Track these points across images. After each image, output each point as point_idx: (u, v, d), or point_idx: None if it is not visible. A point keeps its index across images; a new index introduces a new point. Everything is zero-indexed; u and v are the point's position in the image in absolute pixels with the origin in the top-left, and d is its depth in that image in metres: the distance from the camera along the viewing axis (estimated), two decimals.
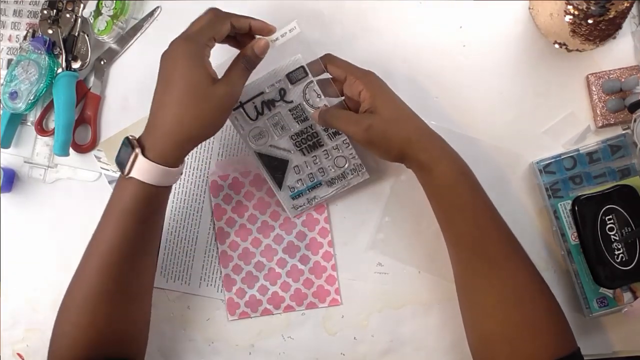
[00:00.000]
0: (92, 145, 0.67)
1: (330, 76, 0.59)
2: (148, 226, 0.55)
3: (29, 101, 0.63)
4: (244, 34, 0.56)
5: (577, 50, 0.63)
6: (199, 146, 0.66)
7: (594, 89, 0.63)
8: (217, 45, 0.54)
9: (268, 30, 0.56)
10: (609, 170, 0.62)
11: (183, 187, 0.66)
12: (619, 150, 0.62)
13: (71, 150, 0.65)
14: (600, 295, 0.61)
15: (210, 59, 0.53)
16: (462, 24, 0.65)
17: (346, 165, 0.63)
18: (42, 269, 0.67)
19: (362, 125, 0.55)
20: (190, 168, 0.66)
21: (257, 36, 0.56)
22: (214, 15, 0.53)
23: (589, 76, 0.63)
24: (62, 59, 0.64)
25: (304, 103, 0.60)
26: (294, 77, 0.59)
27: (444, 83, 0.65)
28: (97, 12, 0.65)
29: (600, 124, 0.63)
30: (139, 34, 0.67)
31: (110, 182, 0.67)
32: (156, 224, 0.57)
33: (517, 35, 0.64)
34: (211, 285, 0.66)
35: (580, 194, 0.61)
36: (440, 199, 0.56)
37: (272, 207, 0.66)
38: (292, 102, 0.60)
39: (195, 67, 0.51)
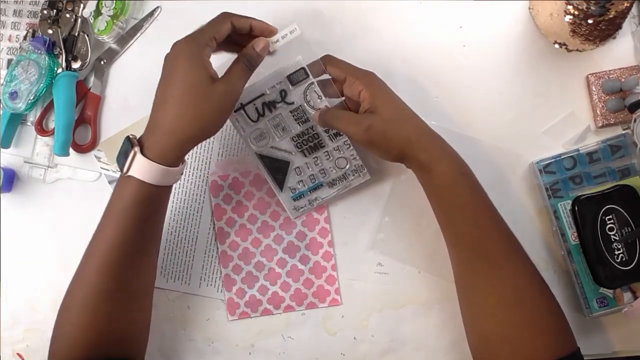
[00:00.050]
0: (92, 145, 0.67)
1: (330, 77, 0.59)
2: (148, 225, 0.55)
3: (29, 101, 0.63)
4: (245, 35, 0.56)
5: (577, 50, 0.63)
6: (199, 146, 0.66)
7: (594, 89, 0.63)
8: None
9: (269, 30, 0.56)
10: (609, 170, 0.62)
11: (183, 187, 0.66)
12: (619, 150, 0.62)
13: (71, 150, 0.65)
14: (600, 295, 0.61)
15: (211, 60, 0.53)
16: (462, 24, 0.65)
17: (347, 166, 0.63)
18: (42, 269, 0.67)
19: (362, 125, 0.55)
20: (190, 168, 0.66)
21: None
22: (217, 16, 0.54)
23: (589, 76, 0.63)
24: (62, 59, 0.64)
25: (305, 104, 0.60)
26: (294, 78, 0.59)
27: (444, 83, 0.65)
28: (97, 12, 0.65)
29: (600, 124, 0.63)
30: (139, 34, 0.67)
31: (110, 182, 0.67)
32: (156, 224, 0.57)
33: (517, 35, 0.65)
34: (211, 285, 0.66)
35: (580, 194, 0.61)
36: (440, 199, 0.56)
37: (272, 207, 0.66)
38: (293, 103, 0.60)
39: (195, 67, 0.51)
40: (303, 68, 0.59)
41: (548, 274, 0.63)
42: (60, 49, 0.64)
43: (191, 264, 0.66)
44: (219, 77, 0.53)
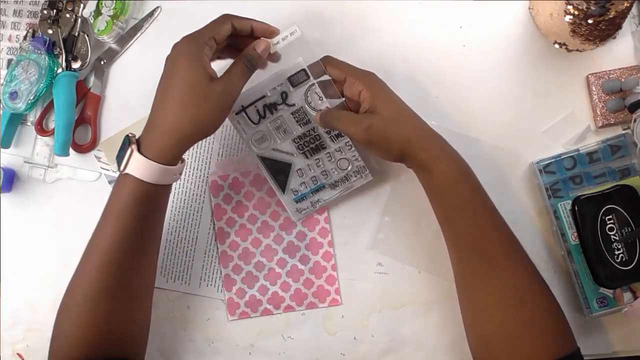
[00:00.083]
0: (92, 145, 0.67)
1: (331, 78, 0.59)
2: (147, 224, 0.55)
3: (29, 101, 0.63)
4: (246, 38, 0.56)
5: (577, 50, 0.63)
6: (199, 146, 0.66)
7: (594, 89, 0.63)
8: None
9: (270, 31, 0.56)
10: (609, 170, 0.62)
11: (183, 187, 0.66)
12: (619, 150, 0.62)
13: (71, 150, 0.65)
14: (600, 295, 0.61)
15: (212, 65, 0.53)
16: (462, 24, 0.65)
17: (349, 168, 0.63)
18: (42, 269, 0.67)
19: (362, 125, 0.55)
20: (190, 168, 0.66)
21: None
22: (217, 18, 0.54)
23: (589, 76, 0.63)
24: (62, 59, 0.64)
25: (306, 106, 0.60)
26: (295, 80, 0.59)
27: (444, 83, 0.65)
28: (97, 12, 0.65)
29: (600, 124, 0.63)
30: (139, 34, 0.67)
31: (110, 182, 0.67)
32: (155, 223, 0.57)
33: (517, 35, 0.65)
34: (211, 285, 0.66)
35: (580, 194, 0.61)
36: (441, 198, 0.56)
37: (272, 207, 0.66)
38: (294, 105, 0.60)
39: (194, 67, 0.51)
40: (304, 69, 0.59)
41: (548, 274, 0.63)
42: (60, 49, 0.64)
43: (191, 264, 0.66)
44: (218, 76, 0.53)
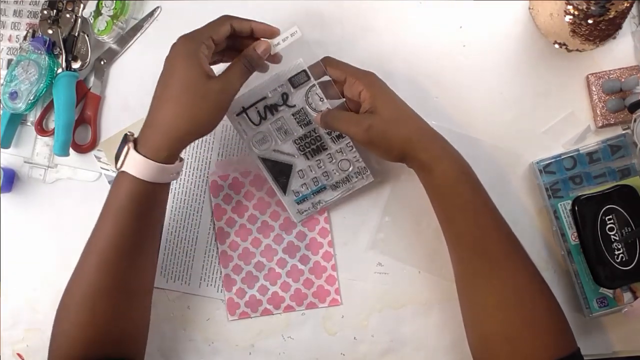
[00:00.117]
0: (92, 145, 0.67)
1: (331, 78, 0.59)
2: (145, 223, 0.55)
3: (29, 101, 0.63)
4: (246, 38, 0.56)
5: (577, 50, 0.63)
6: (199, 146, 0.66)
7: (594, 89, 0.63)
8: None
9: (271, 32, 0.56)
10: (609, 170, 0.62)
11: (183, 187, 0.66)
12: (619, 150, 0.62)
13: (71, 150, 0.65)
14: (600, 295, 0.61)
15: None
16: (462, 24, 0.65)
17: (350, 169, 0.63)
18: (42, 269, 0.67)
19: (362, 125, 0.55)
20: (190, 168, 0.66)
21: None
22: (216, 18, 0.54)
23: (589, 76, 0.63)
24: (62, 59, 0.64)
25: (307, 107, 0.60)
26: (296, 81, 0.59)
27: (444, 83, 0.65)
28: (97, 12, 0.65)
29: (600, 124, 0.63)
30: (139, 34, 0.67)
31: (110, 182, 0.67)
32: (154, 222, 0.57)
33: (517, 35, 0.65)
34: (211, 285, 0.66)
35: (580, 194, 0.61)
36: (441, 198, 0.56)
37: (272, 207, 0.66)
38: (294, 106, 0.60)
39: (191, 65, 0.52)
40: (304, 70, 0.59)
41: (548, 274, 0.63)
42: (60, 49, 0.64)
43: (191, 264, 0.66)
44: (216, 75, 0.53)
